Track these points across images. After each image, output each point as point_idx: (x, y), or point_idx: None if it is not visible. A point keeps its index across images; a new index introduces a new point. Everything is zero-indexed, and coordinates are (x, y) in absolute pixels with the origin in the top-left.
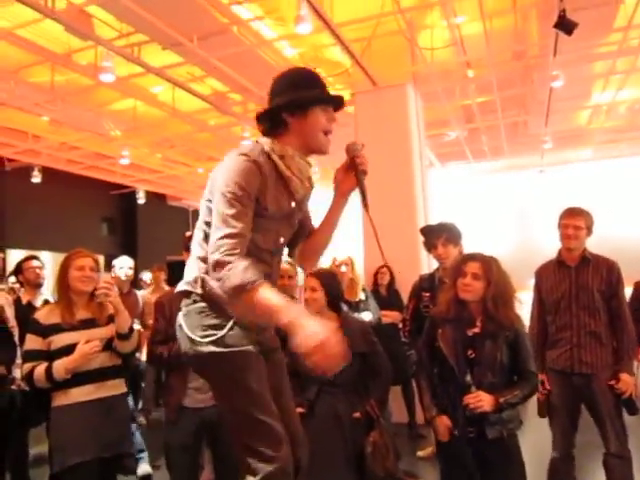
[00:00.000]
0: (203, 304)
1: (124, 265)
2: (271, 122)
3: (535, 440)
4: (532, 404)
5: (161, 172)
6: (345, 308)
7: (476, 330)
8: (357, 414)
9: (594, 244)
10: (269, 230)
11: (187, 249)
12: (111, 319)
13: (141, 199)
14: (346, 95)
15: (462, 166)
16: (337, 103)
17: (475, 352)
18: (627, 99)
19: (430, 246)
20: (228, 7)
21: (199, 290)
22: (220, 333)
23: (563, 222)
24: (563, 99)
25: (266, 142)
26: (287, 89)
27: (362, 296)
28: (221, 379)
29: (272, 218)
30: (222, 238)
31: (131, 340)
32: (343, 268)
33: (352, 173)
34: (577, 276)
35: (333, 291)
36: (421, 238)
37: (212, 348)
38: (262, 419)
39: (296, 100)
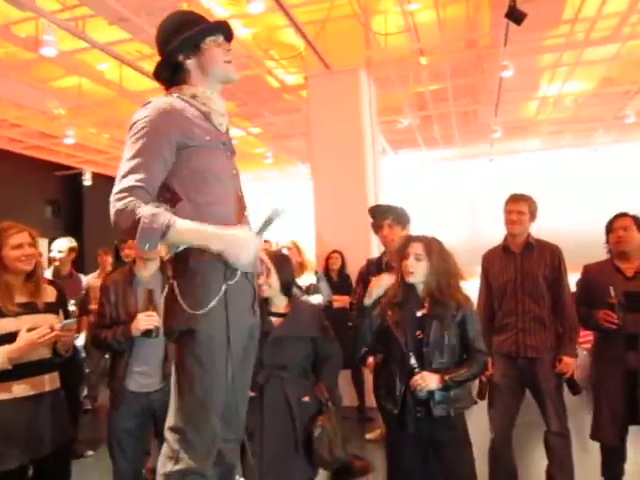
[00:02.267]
0: (199, 273)
1: (55, 247)
2: (171, 72)
3: (483, 422)
4: None
5: (108, 153)
6: (296, 292)
7: (424, 311)
8: (306, 398)
9: (540, 232)
10: (219, 181)
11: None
12: (52, 307)
13: (87, 181)
14: (299, 78)
15: (414, 153)
16: (225, 31)
17: (423, 333)
18: (573, 92)
19: (377, 227)
20: None
21: (190, 261)
22: (214, 307)
23: (507, 208)
24: (512, 89)
25: (173, 92)
26: (174, 34)
27: (313, 279)
28: (196, 361)
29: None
30: (123, 176)
31: (64, 358)
32: (286, 252)
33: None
34: (522, 262)
35: (286, 275)
36: (370, 220)
37: (202, 326)
38: (211, 418)
39: (187, 39)
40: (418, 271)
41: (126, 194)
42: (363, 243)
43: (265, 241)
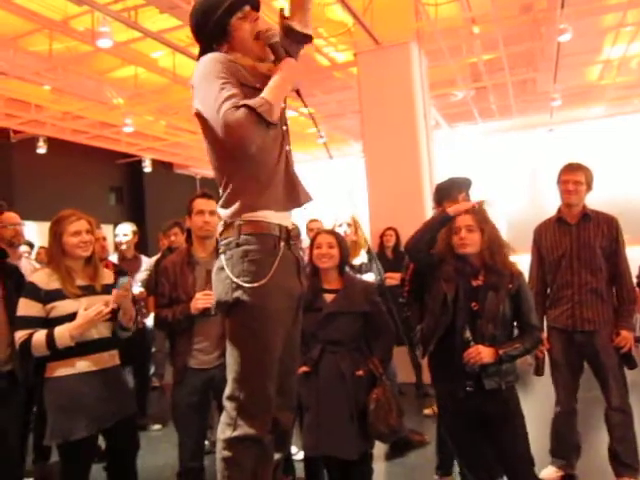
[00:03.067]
0: (246, 247)
1: (120, 232)
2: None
3: (537, 396)
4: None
5: (166, 140)
6: (347, 269)
7: (479, 282)
8: (360, 372)
9: (605, 203)
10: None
11: (189, 214)
12: (107, 289)
13: (147, 167)
14: (349, 56)
15: (470, 126)
16: (250, 1)
17: (478, 304)
18: (639, 53)
19: (450, 199)
20: None
21: (236, 235)
22: (263, 280)
23: (563, 178)
24: (572, 54)
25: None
26: (202, 20)
27: (365, 259)
28: (248, 332)
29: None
30: (221, 104)
31: (130, 332)
32: (346, 228)
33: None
34: (578, 233)
35: (345, 250)
36: (429, 198)
37: (251, 298)
38: (267, 386)
39: (213, 27)
40: (472, 242)
41: (231, 112)
42: (418, 219)
43: (314, 220)
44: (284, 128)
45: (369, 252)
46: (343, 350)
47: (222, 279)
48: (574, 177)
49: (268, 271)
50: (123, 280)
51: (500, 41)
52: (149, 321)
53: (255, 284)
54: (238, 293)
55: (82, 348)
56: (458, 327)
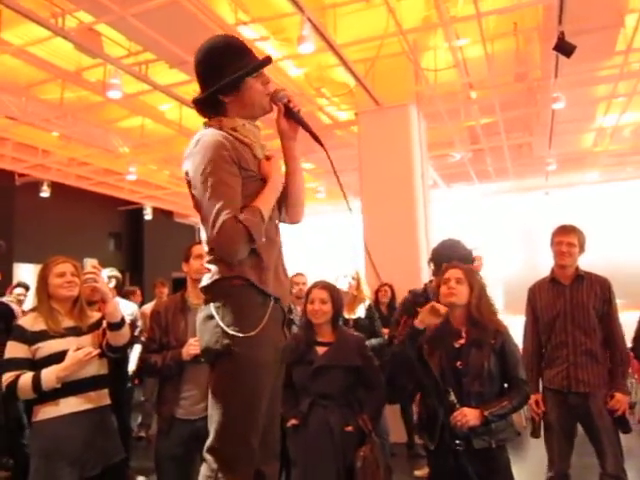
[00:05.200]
0: (237, 297)
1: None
2: (210, 106)
3: (530, 459)
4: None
5: (168, 189)
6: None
7: (462, 341)
8: (349, 428)
9: (596, 267)
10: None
11: (187, 260)
12: (94, 327)
13: (148, 215)
14: (350, 115)
15: (467, 187)
16: (266, 64)
17: (462, 363)
18: (631, 122)
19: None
20: (234, 27)
21: (226, 285)
22: (254, 332)
23: (556, 239)
24: (566, 121)
25: (214, 125)
26: (215, 70)
27: (362, 314)
28: (235, 382)
29: (258, 181)
30: (215, 218)
31: (123, 330)
32: (350, 280)
33: (289, 118)
34: (572, 294)
35: (338, 305)
36: (424, 256)
37: (241, 348)
38: (251, 439)
39: (227, 82)
40: (460, 293)
41: (225, 228)
42: (413, 276)
43: (299, 274)
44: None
45: (370, 309)
46: (333, 404)
47: (211, 327)
48: (567, 239)
49: (259, 322)
50: (91, 260)
51: (497, 106)
52: (131, 365)
53: (246, 334)
54: (228, 342)
55: (69, 387)
56: (445, 390)
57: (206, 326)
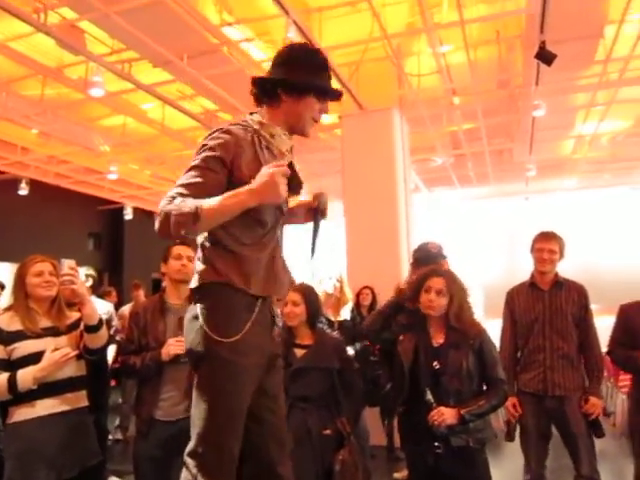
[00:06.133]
0: (223, 300)
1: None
2: (265, 92)
3: (507, 462)
4: None
5: (149, 189)
6: (321, 325)
7: (441, 340)
8: (327, 431)
9: (573, 272)
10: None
11: (165, 260)
12: (73, 327)
13: (128, 215)
14: (334, 118)
15: (449, 191)
16: (334, 96)
17: (441, 362)
18: (609, 131)
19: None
20: (218, 28)
21: (214, 287)
22: (237, 336)
23: (537, 246)
24: (547, 128)
25: (257, 119)
26: (289, 64)
27: (347, 316)
28: (216, 386)
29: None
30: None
31: (101, 332)
32: (335, 282)
33: (312, 216)
34: (551, 299)
35: (313, 307)
36: (405, 260)
37: (223, 352)
38: (231, 443)
39: (294, 82)
40: (439, 306)
41: (166, 201)
42: (394, 279)
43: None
44: (282, 210)
45: (353, 312)
46: (311, 407)
47: (195, 328)
48: (549, 246)
49: (242, 327)
50: (68, 261)
51: (479, 112)
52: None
53: (228, 339)
54: (210, 345)
55: (46, 388)
56: (422, 389)
57: (191, 326)
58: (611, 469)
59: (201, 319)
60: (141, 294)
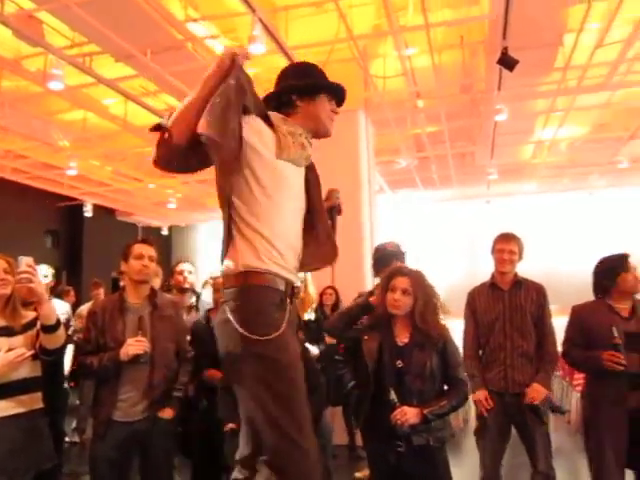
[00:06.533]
0: (254, 299)
1: (40, 274)
2: (279, 102)
3: (469, 459)
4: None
5: (110, 185)
6: None
7: (405, 340)
8: None
9: (532, 274)
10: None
11: (126, 259)
12: (28, 327)
13: (88, 212)
14: None
15: (413, 193)
16: (341, 96)
17: (404, 362)
18: (567, 136)
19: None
20: (183, 24)
21: (242, 286)
22: (276, 333)
23: (498, 247)
24: (508, 133)
25: (277, 115)
26: (297, 75)
27: (312, 316)
28: (270, 388)
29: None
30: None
31: (58, 333)
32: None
33: (328, 213)
34: (510, 299)
35: None
36: (369, 259)
37: (265, 351)
38: (300, 444)
39: (307, 85)
40: (404, 305)
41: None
42: (358, 280)
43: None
44: (309, 175)
45: (317, 312)
46: None
47: (229, 331)
48: (509, 247)
49: (280, 324)
50: (26, 258)
51: (442, 116)
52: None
53: (267, 337)
54: (249, 346)
55: (2, 390)
56: (386, 388)
57: (224, 330)
58: (566, 465)
59: (233, 321)
60: (101, 293)
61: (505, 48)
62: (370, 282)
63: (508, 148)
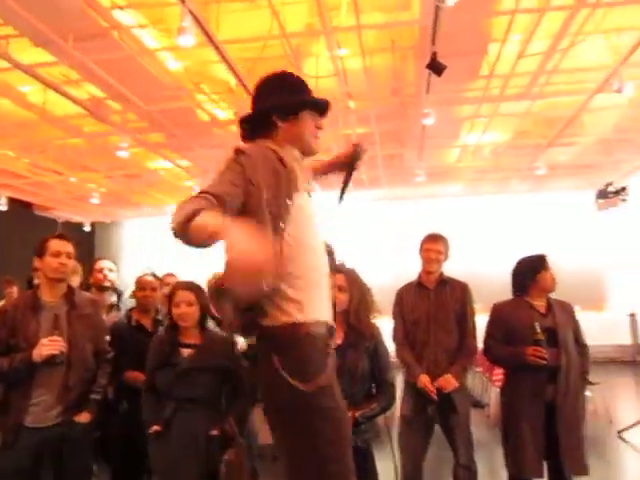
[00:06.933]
0: (299, 345)
1: None
2: (259, 125)
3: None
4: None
5: (27, 178)
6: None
7: (338, 341)
8: (214, 432)
9: (457, 274)
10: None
11: (41, 255)
12: None
13: (3, 206)
14: (230, 114)
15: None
16: (324, 108)
17: (338, 363)
18: (491, 142)
19: None
20: (108, 11)
21: (287, 332)
22: (323, 381)
23: (425, 247)
24: (435, 137)
25: (264, 142)
26: (276, 92)
27: None
28: (317, 435)
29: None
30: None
31: None
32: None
33: (344, 170)
34: (436, 297)
35: (205, 306)
36: None
37: (316, 399)
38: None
39: (288, 104)
40: (340, 302)
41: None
42: None
43: (170, 274)
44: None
45: None
46: (198, 408)
47: (278, 382)
48: (436, 247)
49: (326, 370)
50: None
51: (372, 118)
52: None
53: (316, 386)
54: (300, 397)
55: None
56: None
57: (272, 381)
58: (487, 457)
59: (279, 367)
60: (14, 291)
61: (434, 54)
62: None
63: (435, 151)
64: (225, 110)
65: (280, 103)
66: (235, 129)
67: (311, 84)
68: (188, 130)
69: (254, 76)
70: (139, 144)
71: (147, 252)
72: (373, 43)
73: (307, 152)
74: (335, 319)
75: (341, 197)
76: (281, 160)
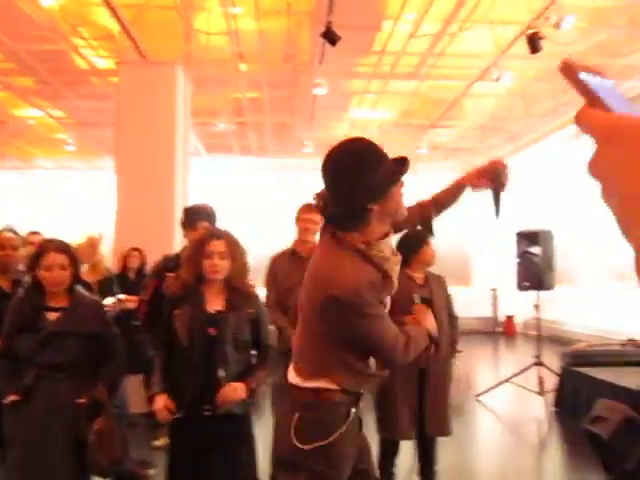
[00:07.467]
0: (318, 412)
1: None
2: (354, 217)
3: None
4: None
5: None
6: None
7: (219, 307)
8: (82, 400)
9: None
10: None
11: None
12: None
13: None
14: (110, 64)
15: (229, 159)
16: (406, 170)
17: (217, 329)
18: (378, 119)
19: (190, 227)
20: None
21: (311, 399)
22: (329, 446)
23: (302, 216)
24: (325, 108)
25: (356, 240)
26: (360, 176)
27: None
28: None
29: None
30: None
31: None
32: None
33: (490, 184)
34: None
35: (77, 268)
36: (178, 218)
37: (316, 464)
38: None
39: (381, 187)
40: (223, 269)
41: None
42: (166, 242)
43: (35, 232)
44: None
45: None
46: (64, 376)
47: (286, 437)
48: (312, 217)
49: (334, 437)
50: None
51: (264, 83)
52: None
53: (320, 449)
54: (302, 457)
55: None
56: (196, 355)
57: (284, 433)
58: None
59: (293, 429)
60: None
61: (329, 22)
62: (179, 244)
63: (324, 122)
64: (106, 59)
65: (374, 189)
66: (116, 80)
67: (202, 40)
68: (62, 77)
69: (139, 24)
70: (4, 87)
71: (10, 208)
72: (269, 4)
73: (399, 219)
74: (211, 289)
75: (497, 214)
76: (378, 267)
